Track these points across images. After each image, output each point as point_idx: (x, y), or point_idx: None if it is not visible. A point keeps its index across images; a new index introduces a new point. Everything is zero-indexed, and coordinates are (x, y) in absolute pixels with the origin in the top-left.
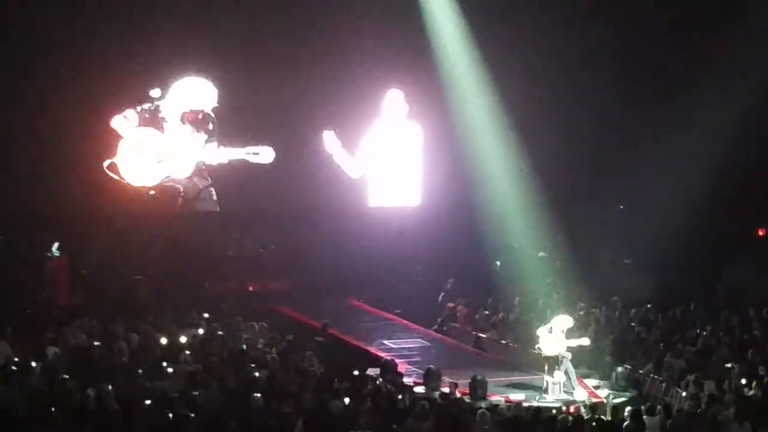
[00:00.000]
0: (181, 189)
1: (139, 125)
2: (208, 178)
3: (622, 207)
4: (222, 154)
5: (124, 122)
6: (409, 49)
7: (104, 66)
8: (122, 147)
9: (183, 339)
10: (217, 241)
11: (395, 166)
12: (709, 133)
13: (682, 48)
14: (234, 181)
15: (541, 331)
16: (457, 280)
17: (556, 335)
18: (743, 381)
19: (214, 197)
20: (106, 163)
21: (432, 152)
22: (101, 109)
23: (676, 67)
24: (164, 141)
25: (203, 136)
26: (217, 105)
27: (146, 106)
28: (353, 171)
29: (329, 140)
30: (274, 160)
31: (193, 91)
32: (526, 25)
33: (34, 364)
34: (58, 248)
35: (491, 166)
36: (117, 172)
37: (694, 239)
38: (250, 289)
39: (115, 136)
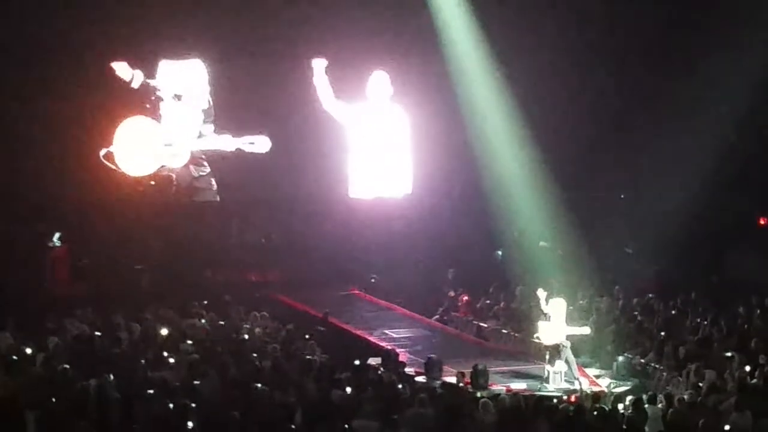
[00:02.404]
0: (174, 177)
1: (139, 95)
2: (206, 165)
3: (623, 196)
4: (218, 143)
5: (128, 73)
6: (405, 31)
7: (102, 55)
8: (118, 136)
9: (184, 329)
10: (217, 231)
11: (385, 153)
12: (710, 121)
13: (684, 36)
14: (234, 170)
15: (541, 322)
16: (458, 269)
17: (555, 323)
18: (745, 370)
19: (214, 187)
20: (102, 152)
21: (426, 138)
22: (100, 98)
23: (677, 55)
24: (160, 130)
25: (200, 117)
26: (208, 82)
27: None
28: (326, 102)
29: (318, 69)
30: (272, 149)
31: (182, 71)
32: (528, 11)
33: (31, 351)
34: (59, 238)
35: (493, 155)
36: (113, 162)
37: (695, 228)
38: (251, 278)
39: (113, 126)
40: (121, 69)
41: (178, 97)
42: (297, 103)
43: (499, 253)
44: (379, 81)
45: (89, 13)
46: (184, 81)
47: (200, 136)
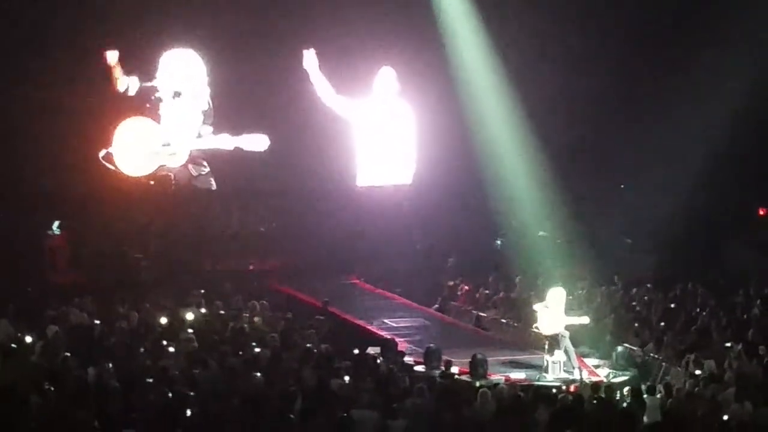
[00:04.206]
0: (173, 176)
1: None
2: (206, 165)
3: (623, 186)
4: (216, 142)
5: (122, 83)
6: (405, 26)
7: (104, 44)
8: (117, 137)
9: (183, 318)
10: (217, 220)
11: (388, 143)
12: (710, 112)
13: (685, 29)
14: (232, 160)
15: (539, 308)
16: (457, 258)
17: (554, 312)
18: (743, 360)
19: (214, 186)
20: (101, 153)
21: (428, 130)
22: (101, 87)
23: (678, 48)
24: (159, 130)
25: (200, 118)
26: (207, 77)
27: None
28: (327, 98)
29: (309, 60)
30: (272, 142)
31: (182, 64)
32: (530, 6)
33: (30, 340)
34: (59, 226)
35: (494, 146)
36: (112, 162)
37: (694, 218)
38: (251, 267)
39: (114, 120)
40: (115, 77)
41: (177, 94)
42: (297, 96)
43: (499, 242)
44: (386, 77)
45: (90, 7)
46: (184, 77)
47: (199, 136)
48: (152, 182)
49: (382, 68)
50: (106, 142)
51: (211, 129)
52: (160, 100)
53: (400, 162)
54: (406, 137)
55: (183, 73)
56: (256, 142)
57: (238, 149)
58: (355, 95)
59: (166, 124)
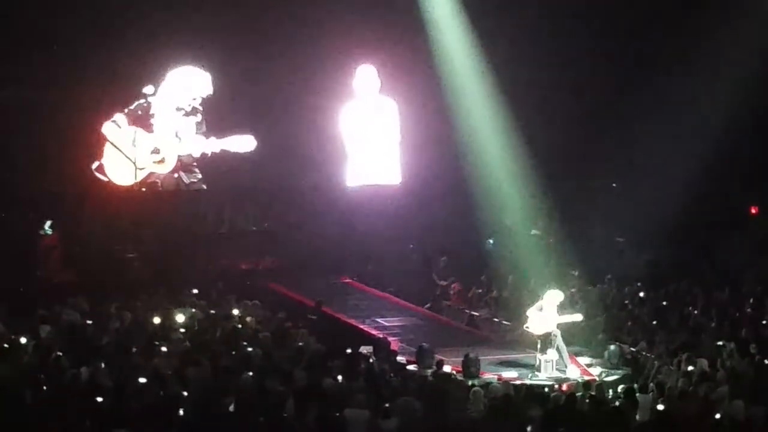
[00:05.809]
0: (160, 184)
1: (130, 124)
2: (197, 171)
3: (614, 185)
4: (204, 147)
5: (114, 128)
6: (388, 22)
7: (99, 48)
8: (108, 149)
9: (176, 317)
10: (209, 220)
11: (375, 143)
12: (702, 111)
13: (676, 27)
14: (224, 161)
15: (531, 311)
16: (450, 258)
17: (547, 312)
18: (736, 358)
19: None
20: (94, 165)
21: (418, 130)
22: (97, 90)
23: (670, 45)
24: (148, 139)
25: (193, 129)
26: (211, 93)
27: (140, 102)
28: None
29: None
30: (262, 141)
31: (189, 81)
32: (515, 1)
33: (25, 341)
34: (51, 226)
35: (485, 145)
36: (104, 173)
37: (686, 217)
38: (243, 267)
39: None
40: (108, 129)
41: (179, 109)
42: (284, 99)
43: (491, 241)
44: (366, 75)
45: (88, 12)
46: (189, 96)
47: (194, 136)
48: (143, 189)
49: (361, 66)
50: (99, 143)
51: (203, 138)
52: (153, 115)
53: (391, 161)
54: (393, 135)
55: (190, 92)
56: (243, 143)
57: (225, 152)
58: (338, 93)
59: (159, 133)
